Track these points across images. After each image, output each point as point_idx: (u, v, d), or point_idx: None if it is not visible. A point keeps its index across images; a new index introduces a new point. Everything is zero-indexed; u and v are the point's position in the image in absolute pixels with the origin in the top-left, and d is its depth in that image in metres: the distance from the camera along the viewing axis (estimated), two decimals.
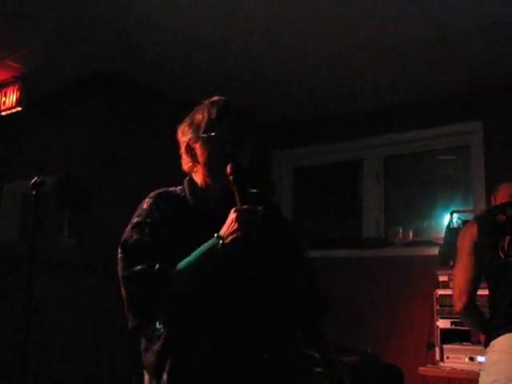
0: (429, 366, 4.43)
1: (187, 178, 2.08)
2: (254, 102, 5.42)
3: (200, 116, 2.02)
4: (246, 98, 5.03)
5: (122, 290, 1.87)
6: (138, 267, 1.83)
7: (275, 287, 1.95)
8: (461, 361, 4.26)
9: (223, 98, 2.08)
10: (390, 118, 5.72)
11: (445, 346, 4.34)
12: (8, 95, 5.13)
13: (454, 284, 3.08)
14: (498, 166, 5.03)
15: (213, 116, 1.99)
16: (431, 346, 4.49)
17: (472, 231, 3.03)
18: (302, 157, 6.32)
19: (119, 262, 1.90)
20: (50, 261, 4.76)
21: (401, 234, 5.48)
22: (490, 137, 5.15)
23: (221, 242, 1.79)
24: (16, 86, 5.08)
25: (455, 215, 4.78)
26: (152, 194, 2.03)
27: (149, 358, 1.91)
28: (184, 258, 1.84)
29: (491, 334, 2.90)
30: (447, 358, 4.31)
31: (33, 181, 3.44)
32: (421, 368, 4.41)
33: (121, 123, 5.17)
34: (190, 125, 2.04)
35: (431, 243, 5.14)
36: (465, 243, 3.04)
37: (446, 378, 4.24)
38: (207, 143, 1.98)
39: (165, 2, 3.90)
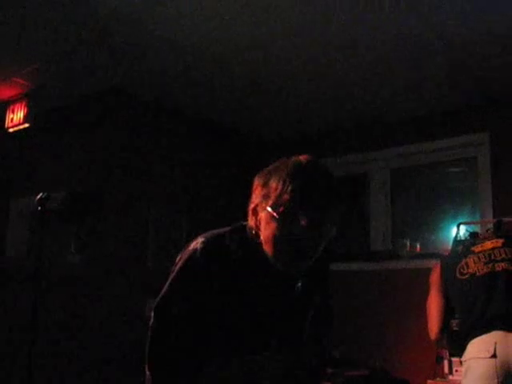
0: (438, 379, 4.35)
1: (248, 227, 1.84)
2: (254, 117, 5.38)
3: (274, 181, 1.74)
4: (247, 112, 5.15)
5: (147, 366, 1.75)
6: (170, 354, 1.70)
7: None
8: None
9: (312, 162, 1.76)
10: (395, 131, 5.64)
11: (453, 359, 4.24)
12: (15, 112, 5.12)
13: (428, 315, 3.37)
14: (505, 177, 4.99)
15: (288, 189, 1.69)
16: (440, 359, 4.42)
17: (437, 267, 3.45)
18: None
19: (150, 329, 1.76)
20: (57, 276, 4.77)
21: (408, 247, 5.40)
22: (497, 148, 5.08)
23: None
24: (23, 103, 5.06)
25: (462, 227, 4.63)
26: (201, 244, 1.79)
27: None
28: (228, 328, 1.74)
29: (462, 350, 3.12)
30: (456, 371, 4.21)
31: (38, 197, 3.47)
32: (429, 381, 4.34)
33: (129, 139, 5.12)
34: (263, 186, 1.78)
35: (439, 255, 4.75)
36: (433, 279, 3.44)
37: None
38: (272, 220, 1.74)
39: (170, 18, 3.87)
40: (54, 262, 4.76)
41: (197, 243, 1.79)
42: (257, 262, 1.78)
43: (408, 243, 5.42)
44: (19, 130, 5.12)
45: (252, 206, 1.80)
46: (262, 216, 1.76)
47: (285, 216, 1.69)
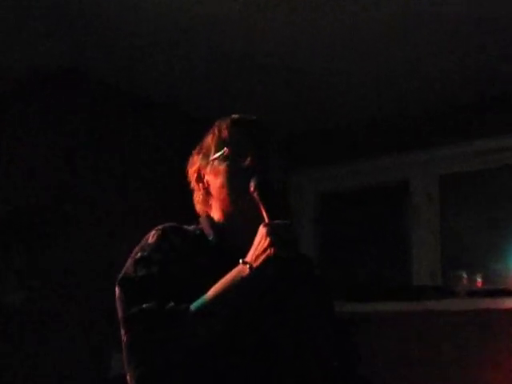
0: None
1: (204, 215, 1.95)
2: (260, 109, 4.92)
3: (209, 138, 1.95)
4: (250, 103, 4.64)
5: (123, 334, 1.69)
6: (146, 305, 1.65)
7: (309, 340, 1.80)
8: None
9: (237, 114, 2.00)
10: (446, 125, 4.92)
11: None
12: None
13: None
14: None
15: (224, 132, 1.91)
16: None
17: None
18: (328, 179, 5.45)
19: (118, 302, 1.75)
20: None
21: (465, 280, 4.72)
22: None
23: (248, 266, 1.60)
24: None
25: None
26: (160, 226, 1.89)
27: None
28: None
29: None
30: None
31: None
32: None
33: (83, 135, 4.52)
34: (199, 152, 1.97)
35: (508, 292, 4.43)
36: None
37: None
38: (220, 165, 1.88)
39: None
40: None
41: (152, 231, 1.90)
42: (222, 236, 1.88)
43: (465, 275, 4.76)
44: None
45: (194, 176, 1.96)
46: (208, 173, 1.91)
47: (231, 158, 1.87)
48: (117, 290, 1.77)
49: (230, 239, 1.85)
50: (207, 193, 1.92)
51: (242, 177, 1.80)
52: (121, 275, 1.80)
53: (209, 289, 1.66)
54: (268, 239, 1.58)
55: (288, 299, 1.74)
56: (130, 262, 1.81)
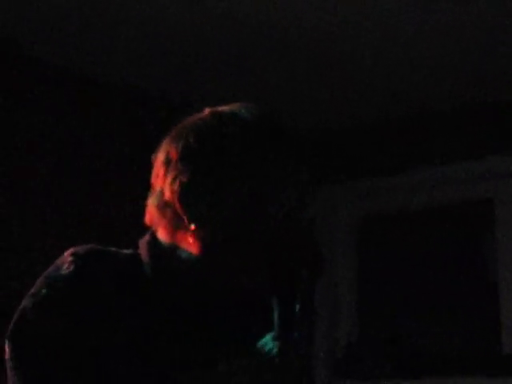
0: None
1: (148, 240, 1.39)
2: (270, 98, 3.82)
3: (208, 140, 1.32)
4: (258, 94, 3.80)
5: None
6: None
7: None
8: None
9: (254, 107, 1.35)
10: None
11: None
12: None
13: None
14: None
15: (248, 157, 1.31)
16: None
17: None
18: (373, 197, 4.30)
19: (11, 370, 1.30)
20: None
21: None
22: None
23: None
24: None
25: None
26: (79, 249, 1.37)
27: None
28: (128, 372, 1.30)
29: None
30: None
31: None
32: None
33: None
34: (185, 153, 1.34)
35: None
36: None
37: None
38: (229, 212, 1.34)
39: None
40: None
41: (66, 256, 1.38)
42: (174, 282, 1.39)
43: None
44: None
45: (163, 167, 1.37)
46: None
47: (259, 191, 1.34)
48: (7, 348, 1.30)
49: (188, 289, 1.38)
50: (183, 225, 1.42)
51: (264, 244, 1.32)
52: (12, 326, 1.33)
53: (138, 353, 1.31)
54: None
55: None
56: (27, 301, 1.34)
